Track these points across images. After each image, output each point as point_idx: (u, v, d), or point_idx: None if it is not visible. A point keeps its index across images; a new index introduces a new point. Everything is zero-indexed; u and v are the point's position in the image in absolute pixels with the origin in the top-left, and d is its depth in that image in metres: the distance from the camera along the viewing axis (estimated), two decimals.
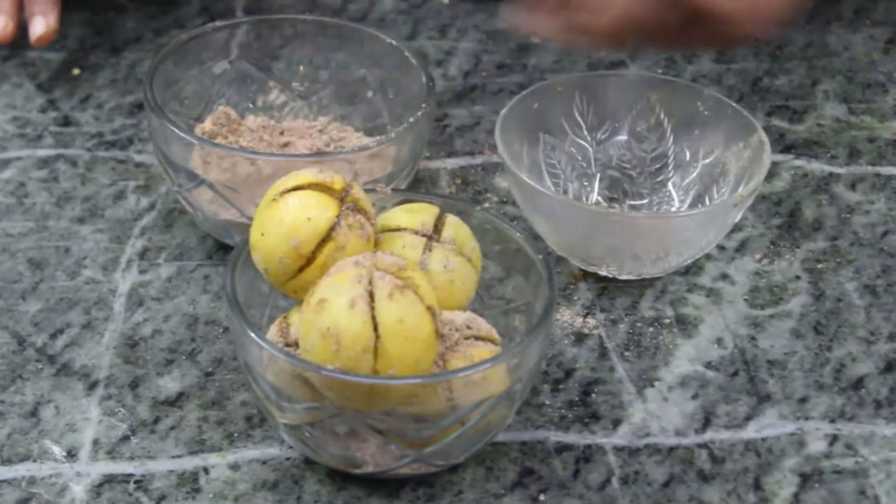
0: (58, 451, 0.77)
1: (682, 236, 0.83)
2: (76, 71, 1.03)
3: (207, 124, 0.90)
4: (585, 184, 0.90)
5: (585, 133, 0.91)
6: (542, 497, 0.75)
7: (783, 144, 0.97)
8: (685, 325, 0.84)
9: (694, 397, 0.80)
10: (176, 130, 0.84)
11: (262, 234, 0.74)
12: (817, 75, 1.03)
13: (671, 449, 0.77)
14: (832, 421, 0.79)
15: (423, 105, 0.87)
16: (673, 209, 0.89)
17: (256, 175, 0.83)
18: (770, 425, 0.79)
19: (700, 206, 0.88)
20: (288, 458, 0.77)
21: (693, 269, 0.88)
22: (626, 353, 0.83)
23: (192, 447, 0.77)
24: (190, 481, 0.75)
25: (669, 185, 0.90)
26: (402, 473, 0.74)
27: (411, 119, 0.86)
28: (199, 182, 0.85)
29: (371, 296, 0.69)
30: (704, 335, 0.84)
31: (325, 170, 0.75)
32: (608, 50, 0.91)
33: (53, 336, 0.83)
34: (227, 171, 0.84)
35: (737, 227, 0.91)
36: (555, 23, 0.83)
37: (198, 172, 0.85)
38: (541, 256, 0.77)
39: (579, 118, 0.91)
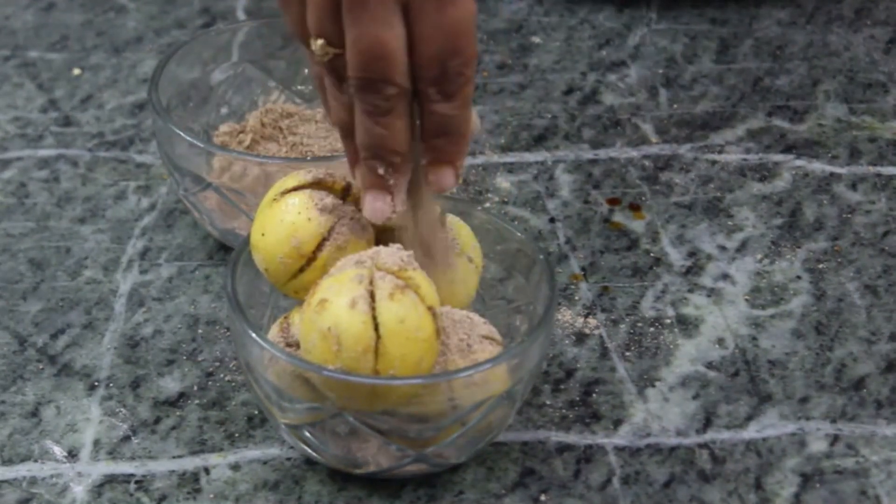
0: (59, 451, 0.77)
1: None
2: (77, 71, 1.03)
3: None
4: None
5: None
6: (542, 497, 0.75)
7: (784, 144, 0.97)
8: (686, 326, 0.84)
9: (695, 397, 0.80)
10: (182, 134, 0.84)
11: (263, 235, 0.74)
12: (818, 75, 1.03)
13: (672, 449, 0.77)
14: (833, 421, 0.79)
15: None
16: None
17: (264, 178, 0.83)
18: (771, 425, 0.79)
19: None
20: (289, 459, 0.77)
21: (694, 269, 0.88)
22: (627, 354, 0.82)
23: (192, 447, 0.77)
24: (191, 481, 0.75)
25: None
26: (403, 473, 0.74)
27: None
28: (206, 186, 0.85)
29: (372, 296, 0.69)
30: (705, 335, 0.84)
31: (327, 170, 0.75)
32: None
33: (54, 336, 0.83)
34: (236, 174, 0.84)
35: (738, 227, 0.91)
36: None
37: (204, 176, 0.84)
38: (542, 256, 0.77)
39: None
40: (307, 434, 0.73)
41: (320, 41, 0.69)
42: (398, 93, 0.69)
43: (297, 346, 0.74)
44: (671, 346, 0.83)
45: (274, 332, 0.75)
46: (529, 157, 0.96)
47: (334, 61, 0.70)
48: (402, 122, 0.70)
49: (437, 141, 0.72)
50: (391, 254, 0.71)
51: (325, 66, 0.71)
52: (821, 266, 0.88)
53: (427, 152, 0.72)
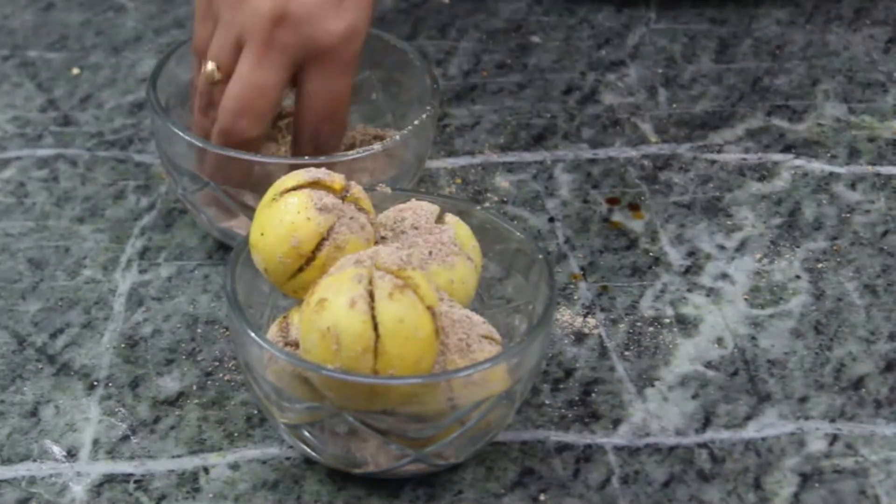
0: (58, 450, 0.77)
1: None
2: (76, 70, 1.03)
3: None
4: None
5: None
6: (542, 497, 0.75)
7: (783, 144, 0.97)
8: (685, 325, 0.84)
9: (694, 397, 0.80)
10: (181, 133, 0.84)
11: (262, 234, 0.74)
12: (817, 75, 1.03)
13: (671, 448, 0.77)
14: (832, 420, 0.79)
15: (428, 108, 0.87)
16: None
17: (262, 178, 0.83)
18: (770, 425, 0.79)
19: None
20: (288, 458, 0.76)
21: (693, 268, 0.88)
22: (626, 353, 0.82)
23: (192, 447, 0.77)
24: (190, 481, 0.75)
25: None
26: (403, 473, 0.74)
27: (416, 122, 0.86)
28: (203, 185, 0.85)
29: (371, 295, 0.69)
30: (704, 335, 0.84)
31: (326, 170, 0.75)
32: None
33: (53, 336, 0.83)
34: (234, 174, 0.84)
35: (737, 227, 0.91)
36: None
37: (201, 175, 0.84)
38: (541, 256, 0.77)
39: None
40: (306, 433, 0.73)
41: (211, 65, 0.83)
42: (256, 134, 0.83)
43: (297, 345, 0.74)
44: (670, 346, 0.83)
45: (273, 332, 0.75)
46: (528, 156, 0.96)
47: (215, 87, 0.84)
48: (256, 145, 0.85)
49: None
50: (390, 253, 0.71)
51: (205, 87, 0.84)
52: (820, 266, 0.88)
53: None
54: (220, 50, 0.83)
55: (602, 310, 0.85)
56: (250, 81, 0.82)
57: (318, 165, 0.77)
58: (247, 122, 0.83)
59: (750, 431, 0.78)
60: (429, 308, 0.70)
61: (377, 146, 0.84)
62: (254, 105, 0.82)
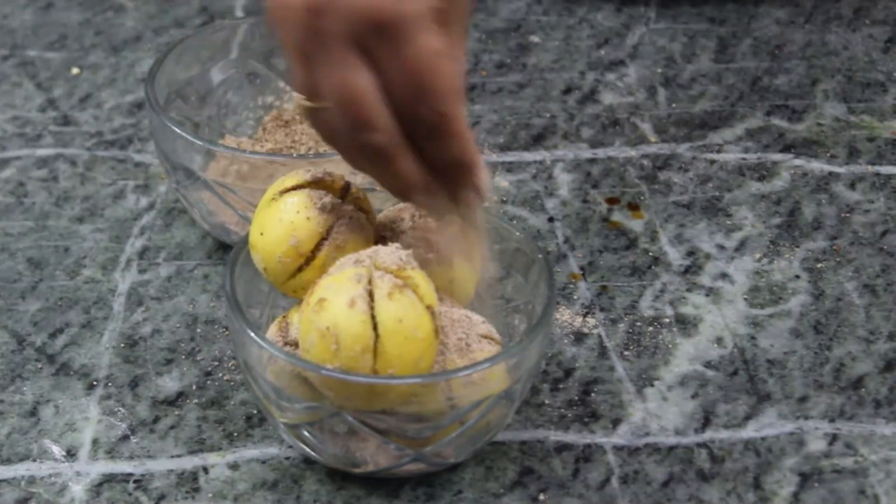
0: (57, 450, 0.77)
1: None
2: (76, 70, 1.03)
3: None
4: None
5: None
6: (541, 496, 0.75)
7: (783, 144, 0.97)
8: (685, 325, 0.84)
9: (693, 397, 0.80)
10: (176, 129, 0.84)
11: (262, 234, 0.74)
12: (817, 74, 1.03)
13: (671, 448, 0.77)
14: (832, 420, 0.79)
15: None
16: None
17: (252, 174, 0.83)
18: (769, 425, 0.79)
19: None
20: (287, 458, 0.77)
21: (693, 268, 0.88)
22: (626, 353, 0.82)
23: (191, 447, 0.77)
24: (189, 481, 0.75)
25: None
26: (402, 473, 0.74)
27: None
28: (196, 179, 0.85)
29: (370, 295, 0.69)
30: (704, 334, 0.84)
31: (326, 169, 0.75)
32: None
33: (53, 335, 0.83)
34: (230, 170, 0.84)
35: (736, 227, 0.91)
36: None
37: (196, 170, 0.84)
38: (540, 256, 0.77)
39: None
40: (306, 433, 0.73)
41: (297, 97, 0.68)
42: (386, 139, 0.66)
43: (296, 345, 0.74)
44: (670, 346, 0.83)
45: (272, 332, 0.75)
46: (528, 156, 0.96)
47: (318, 116, 0.68)
48: (406, 165, 0.68)
49: (444, 176, 0.69)
50: (390, 253, 0.71)
51: (318, 125, 0.69)
52: (819, 265, 0.88)
53: (440, 183, 0.70)
54: (295, 74, 0.68)
55: (601, 309, 0.85)
56: (334, 94, 0.66)
57: (316, 165, 0.77)
58: (366, 135, 0.67)
59: (749, 431, 0.78)
60: (428, 308, 0.70)
61: None
62: (359, 116, 0.66)
